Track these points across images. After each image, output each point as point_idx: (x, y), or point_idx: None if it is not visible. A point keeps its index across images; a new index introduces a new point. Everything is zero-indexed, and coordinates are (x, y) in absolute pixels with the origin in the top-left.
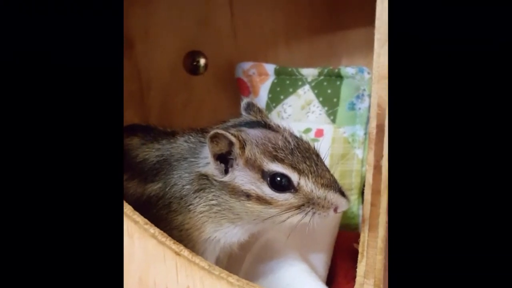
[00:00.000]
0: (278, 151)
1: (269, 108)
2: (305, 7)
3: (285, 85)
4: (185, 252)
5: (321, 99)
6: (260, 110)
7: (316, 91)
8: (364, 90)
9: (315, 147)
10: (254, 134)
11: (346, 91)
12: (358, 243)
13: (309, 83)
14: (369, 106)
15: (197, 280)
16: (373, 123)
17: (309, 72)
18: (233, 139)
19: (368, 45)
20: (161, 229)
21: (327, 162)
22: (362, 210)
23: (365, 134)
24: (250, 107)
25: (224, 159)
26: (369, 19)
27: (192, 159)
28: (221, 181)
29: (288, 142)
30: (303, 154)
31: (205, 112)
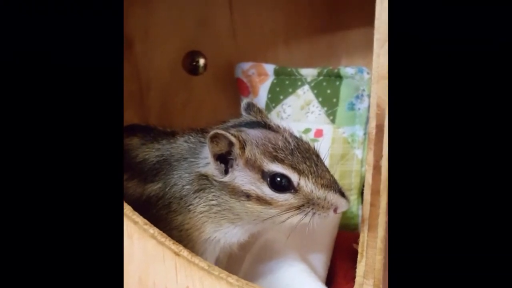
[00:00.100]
0: (278, 151)
1: (268, 108)
2: (305, 7)
3: (284, 85)
4: (185, 252)
5: (320, 99)
6: (260, 111)
7: (315, 91)
8: (363, 90)
9: (315, 148)
10: (254, 134)
11: (345, 91)
12: (357, 243)
13: (309, 83)
14: (369, 106)
15: (196, 281)
16: (372, 123)
17: (309, 72)
18: (233, 139)
19: (368, 45)
20: (160, 229)
21: (326, 162)
22: (362, 210)
23: (365, 134)
24: (250, 107)
25: (224, 159)
26: (369, 19)
27: (192, 159)
28: (221, 182)
29: (288, 142)
30: (303, 155)
31: (205, 112)
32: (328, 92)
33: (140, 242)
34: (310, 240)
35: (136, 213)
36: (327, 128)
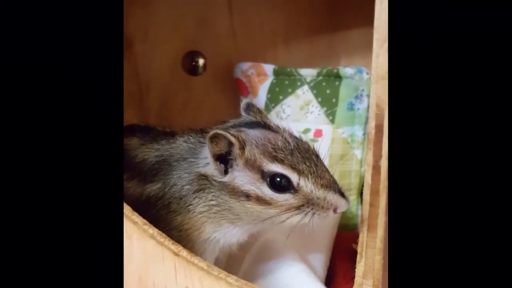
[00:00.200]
0: (278, 151)
1: (268, 108)
2: (304, 7)
3: (284, 86)
4: (184, 252)
5: (320, 99)
6: (259, 111)
7: (315, 92)
8: (363, 90)
9: (315, 148)
10: (253, 134)
11: (345, 92)
12: (357, 243)
13: (308, 83)
14: (368, 107)
15: (196, 281)
16: (371, 124)
17: (308, 73)
18: (233, 139)
19: (367, 45)
20: (160, 229)
21: (326, 162)
22: (361, 210)
23: (364, 134)
24: (250, 107)
25: (224, 160)
26: (369, 19)
27: (192, 160)
28: (220, 182)
29: (288, 142)
30: (303, 155)
31: (205, 112)
32: (327, 92)
33: (139, 242)
34: (309, 240)
35: (136, 213)
36: (327, 128)
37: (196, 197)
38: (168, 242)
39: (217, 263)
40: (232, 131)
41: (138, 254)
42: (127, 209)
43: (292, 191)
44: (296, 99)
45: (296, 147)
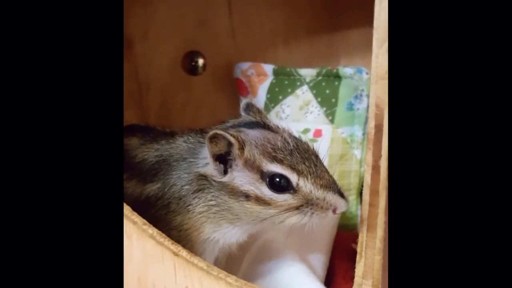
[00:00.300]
0: (277, 151)
1: (267, 108)
2: (304, 7)
3: (283, 86)
4: (184, 252)
5: (319, 99)
6: (259, 111)
7: (314, 92)
8: (362, 90)
9: (314, 148)
10: (253, 134)
11: (344, 92)
12: (356, 243)
13: (308, 83)
14: (368, 107)
15: (195, 281)
16: (371, 124)
17: (308, 73)
18: (232, 139)
19: (367, 45)
20: (159, 229)
21: (325, 162)
22: (361, 210)
23: (364, 134)
24: (250, 107)
25: (223, 160)
26: (368, 19)
27: (191, 160)
28: (220, 182)
29: (287, 143)
30: (302, 155)
31: (204, 113)
32: (327, 92)
33: (139, 242)
34: (309, 240)
35: (135, 213)
36: (326, 128)
37: (195, 197)
38: (167, 242)
39: (217, 263)
40: (232, 131)
41: (137, 254)
42: (126, 209)
43: (291, 191)
44: (295, 99)
45: (296, 147)
